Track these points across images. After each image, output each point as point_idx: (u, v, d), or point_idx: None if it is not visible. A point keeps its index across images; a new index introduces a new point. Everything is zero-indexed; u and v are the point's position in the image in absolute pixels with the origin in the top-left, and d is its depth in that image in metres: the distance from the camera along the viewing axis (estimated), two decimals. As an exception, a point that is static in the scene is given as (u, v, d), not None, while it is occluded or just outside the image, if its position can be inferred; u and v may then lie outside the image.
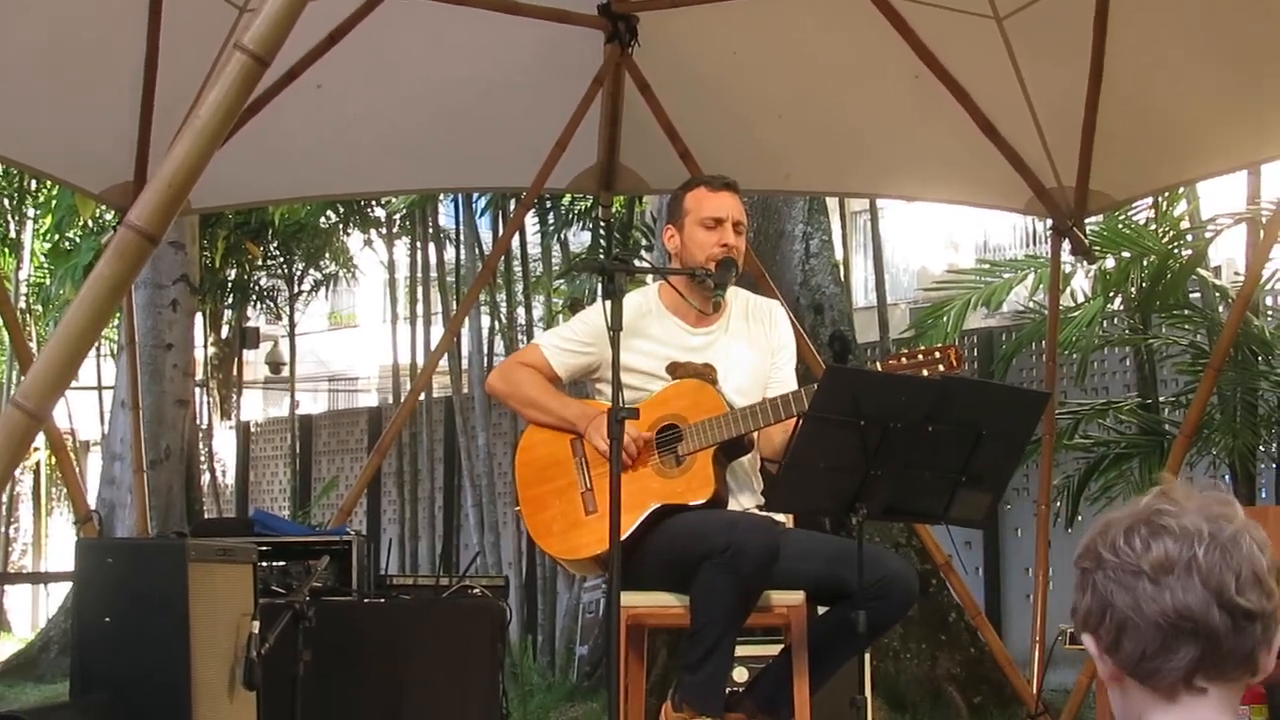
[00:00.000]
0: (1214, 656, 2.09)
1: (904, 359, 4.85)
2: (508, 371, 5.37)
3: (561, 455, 5.11)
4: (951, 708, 9.49)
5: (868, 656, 5.05)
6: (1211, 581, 2.07)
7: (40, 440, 11.83)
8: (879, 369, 4.97)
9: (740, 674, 5.96)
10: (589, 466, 5.04)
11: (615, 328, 4.63)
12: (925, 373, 4.73)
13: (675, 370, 5.09)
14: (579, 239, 15.77)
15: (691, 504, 4.89)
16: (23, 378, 4.12)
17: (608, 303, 4.73)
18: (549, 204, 13.92)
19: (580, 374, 5.26)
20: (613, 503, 4.48)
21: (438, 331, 16.07)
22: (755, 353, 5.22)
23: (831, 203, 12.31)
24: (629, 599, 4.75)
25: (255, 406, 27.81)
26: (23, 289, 18.86)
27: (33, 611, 22.70)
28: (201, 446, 17.40)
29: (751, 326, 5.27)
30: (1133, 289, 9.81)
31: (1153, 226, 9.95)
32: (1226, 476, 9.70)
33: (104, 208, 11.40)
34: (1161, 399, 9.99)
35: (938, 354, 4.82)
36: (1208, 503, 2.16)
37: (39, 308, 19.33)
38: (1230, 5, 6.68)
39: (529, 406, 5.20)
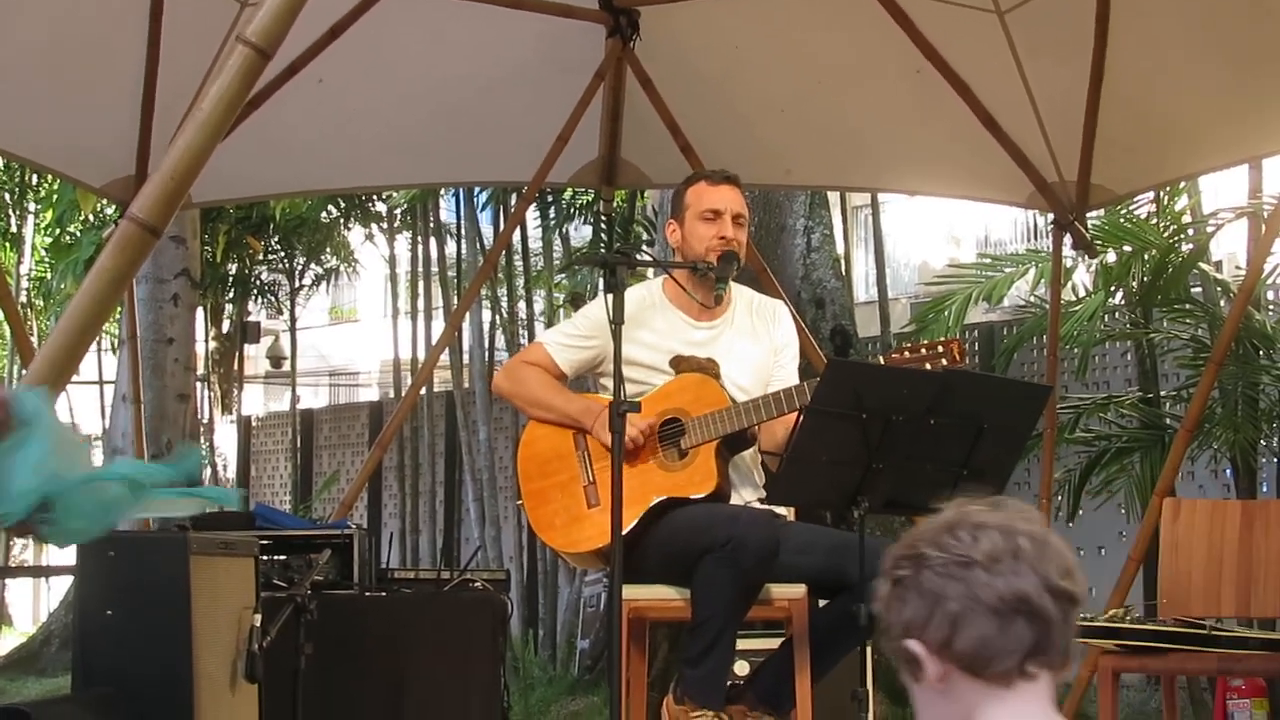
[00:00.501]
0: (1045, 642, 2.15)
1: (906, 353, 4.85)
2: (513, 371, 5.37)
3: (564, 449, 5.12)
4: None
5: (869, 649, 5.04)
6: (1039, 569, 2.16)
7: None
8: (881, 362, 4.98)
9: (741, 667, 5.97)
10: (591, 460, 5.05)
11: (617, 321, 4.64)
12: (928, 366, 4.74)
13: (678, 364, 5.09)
14: (580, 234, 15.78)
15: (694, 497, 4.90)
16: (24, 371, 4.12)
17: (609, 296, 4.73)
18: (550, 198, 13.93)
19: (585, 369, 5.26)
20: (614, 497, 4.49)
21: (438, 326, 16.09)
22: (758, 349, 5.23)
23: (833, 197, 12.30)
24: (630, 592, 4.76)
25: (256, 401, 27.81)
26: (24, 283, 18.87)
27: (34, 605, 22.73)
28: (203, 441, 17.41)
29: (756, 323, 5.28)
30: (1134, 283, 9.80)
31: (1154, 221, 9.94)
32: (1228, 470, 9.71)
33: (105, 202, 11.40)
34: (1163, 393, 9.98)
35: (940, 348, 4.83)
36: (1012, 511, 2.24)
37: (40, 302, 19.34)
38: (1230, 2, 6.67)
39: (534, 405, 5.21)
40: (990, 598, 2.14)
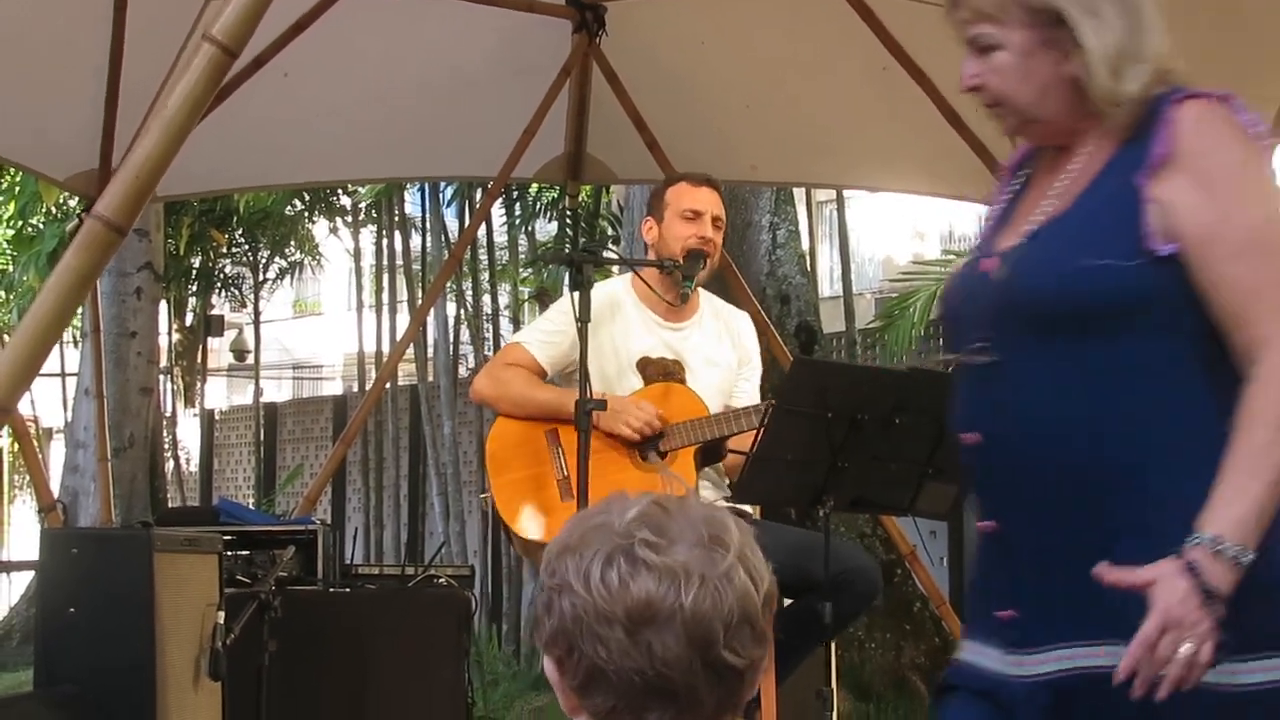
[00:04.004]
0: (691, 710, 1.86)
1: None
2: (494, 374, 5.33)
3: (537, 444, 5.12)
4: (916, 697, 9.52)
5: (833, 647, 5.06)
6: (698, 634, 1.83)
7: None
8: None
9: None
10: (564, 454, 5.06)
11: (583, 319, 4.65)
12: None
13: (645, 367, 5.11)
14: (546, 229, 15.77)
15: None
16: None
17: (575, 294, 4.75)
18: (516, 194, 13.91)
19: (564, 363, 5.25)
20: (579, 491, 4.52)
21: (403, 319, 16.07)
22: (725, 357, 5.26)
23: (798, 193, 12.32)
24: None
25: (219, 394, 27.77)
26: (-15, 276, 18.79)
27: (-6, 599, 22.61)
28: (166, 434, 17.35)
29: (722, 331, 5.31)
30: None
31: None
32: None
33: (68, 194, 11.34)
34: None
35: None
36: (701, 521, 1.92)
37: (2, 294, 19.24)
38: (1191, 6, 6.70)
39: (523, 404, 5.17)
40: (628, 668, 1.83)
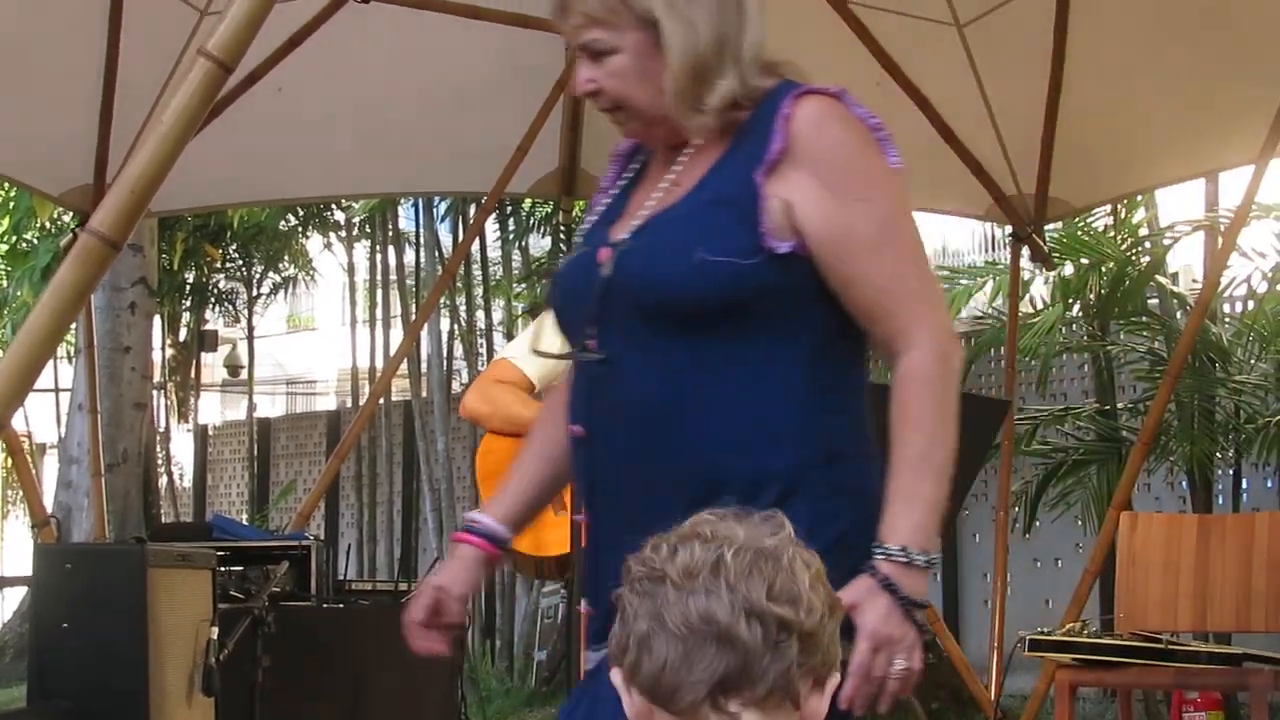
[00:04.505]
0: (744, 674, 1.82)
1: None
2: (484, 391, 5.31)
3: (526, 457, 5.11)
4: (909, 714, 9.51)
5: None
6: (740, 586, 1.84)
7: (-4, 443, 11.77)
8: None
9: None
10: None
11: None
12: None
13: None
14: (540, 244, 15.77)
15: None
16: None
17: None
18: (509, 209, 13.91)
19: (552, 378, 5.25)
20: (574, 505, 4.51)
21: (396, 334, 16.05)
22: None
23: (792, 208, 12.31)
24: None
25: (213, 409, 27.70)
26: (-21, 290, 18.75)
27: (-13, 615, 22.56)
28: (159, 450, 17.33)
29: None
30: (1091, 296, 9.85)
31: (1111, 234, 9.99)
32: (1184, 483, 9.75)
33: (62, 209, 11.34)
34: (1120, 405, 10.02)
35: None
36: (758, 521, 1.95)
37: (-5, 309, 19.22)
38: (1187, 16, 6.72)
39: (513, 421, 5.14)
40: (674, 620, 1.84)
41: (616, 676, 1.91)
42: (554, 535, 4.98)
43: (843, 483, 2.56)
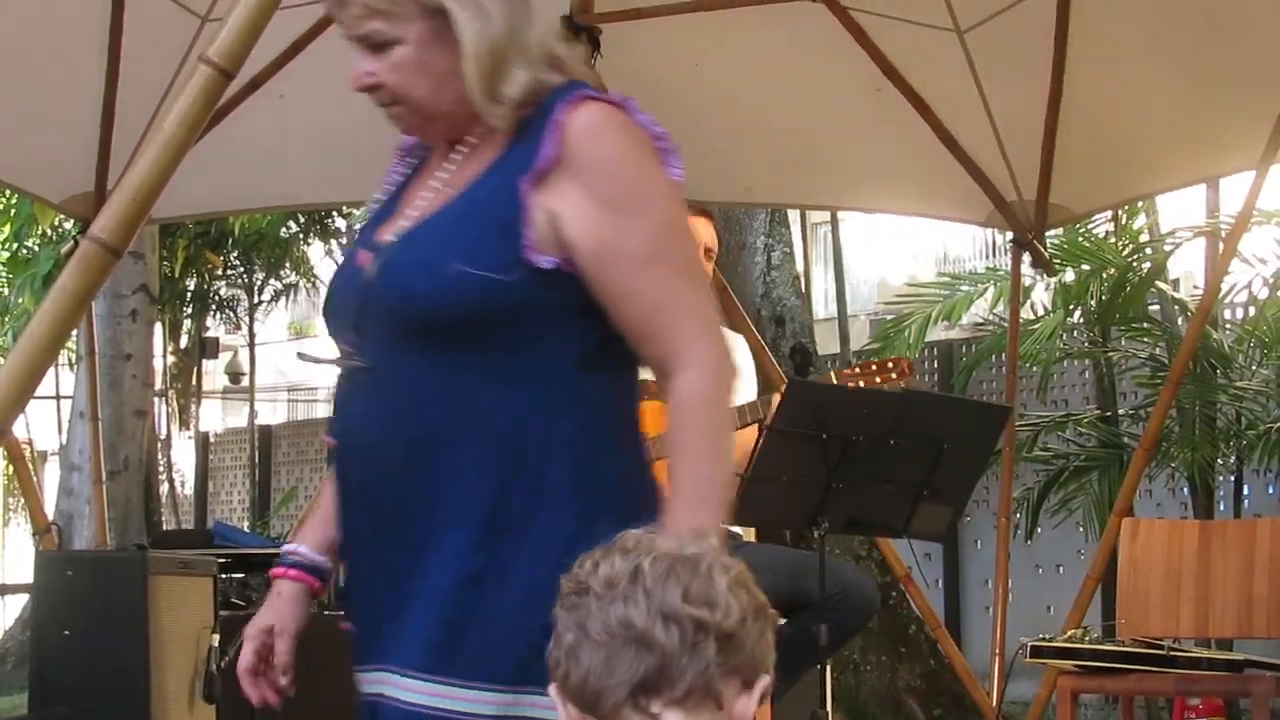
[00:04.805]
0: (663, 675, 1.86)
1: (858, 369, 4.89)
2: None
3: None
4: (912, 720, 9.52)
5: (829, 669, 5.05)
6: (656, 591, 1.88)
7: (-2, 450, 11.77)
8: (833, 379, 5.00)
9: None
10: None
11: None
12: (879, 381, 4.76)
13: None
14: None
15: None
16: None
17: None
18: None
19: None
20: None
21: (398, 342, 16.06)
22: None
23: (792, 214, 12.31)
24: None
25: (214, 417, 27.68)
26: (-19, 298, 18.75)
27: (-11, 622, 22.55)
28: (160, 457, 17.34)
29: None
30: (1092, 302, 9.85)
31: (1112, 240, 10.00)
32: (1185, 490, 9.75)
33: (63, 217, 11.34)
34: (1121, 412, 10.02)
35: (890, 364, 4.86)
36: (686, 534, 2.02)
37: (-4, 316, 19.22)
38: (1188, 22, 6.71)
39: None
40: (596, 629, 1.86)
41: (553, 690, 1.92)
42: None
43: (599, 498, 2.48)
